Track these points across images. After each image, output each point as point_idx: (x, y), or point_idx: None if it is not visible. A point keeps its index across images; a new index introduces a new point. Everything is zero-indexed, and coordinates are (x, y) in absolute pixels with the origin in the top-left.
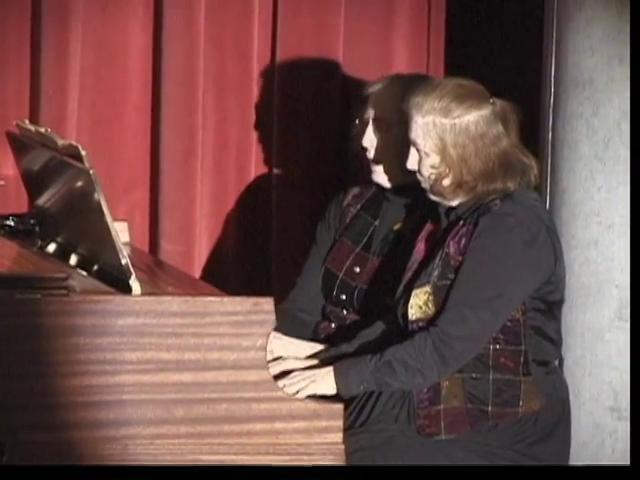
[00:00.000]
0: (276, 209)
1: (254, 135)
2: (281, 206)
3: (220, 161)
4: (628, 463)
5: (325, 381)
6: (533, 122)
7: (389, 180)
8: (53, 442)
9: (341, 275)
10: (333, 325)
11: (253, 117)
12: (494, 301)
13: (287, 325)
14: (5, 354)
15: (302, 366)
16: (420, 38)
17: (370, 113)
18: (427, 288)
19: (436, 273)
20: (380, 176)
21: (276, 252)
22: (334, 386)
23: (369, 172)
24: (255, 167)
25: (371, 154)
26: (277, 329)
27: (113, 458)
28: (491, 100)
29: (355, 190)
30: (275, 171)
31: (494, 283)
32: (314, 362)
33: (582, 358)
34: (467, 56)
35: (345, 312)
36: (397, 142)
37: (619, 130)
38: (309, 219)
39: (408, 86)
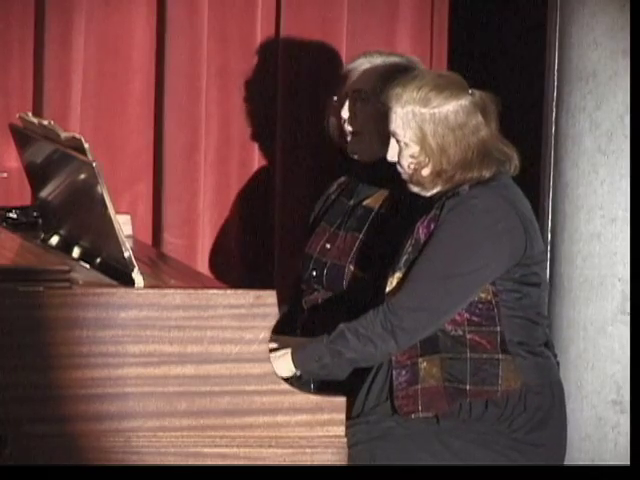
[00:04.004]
0: (279, 202)
1: (257, 128)
2: (283, 199)
3: (223, 154)
4: (630, 456)
5: (281, 360)
6: (536, 116)
7: (365, 152)
8: (55, 435)
9: (315, 254)
10: (307, 312)
11: (256, 110)
12: (449, 276)
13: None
14: (8, 347)
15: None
16: (423, 32)
17: (349, 86)
18: (398, 274)
19: (405, 258)
20: (356, 147)
21: (279, 245)
22: (291, 365)
23: (345, 146)
24: (258, 160)
25: (349, 125)
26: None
27: (115, 451)
28: (470, 91)
29: (340, 180)
30: (278, 164)
31: (450, 259)
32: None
33: (585, 351)
34: (470, 50)
35: (316, 293)
36: (376, 113)
37: (622, 124)
38: (312, 212)
39: (388, 60)
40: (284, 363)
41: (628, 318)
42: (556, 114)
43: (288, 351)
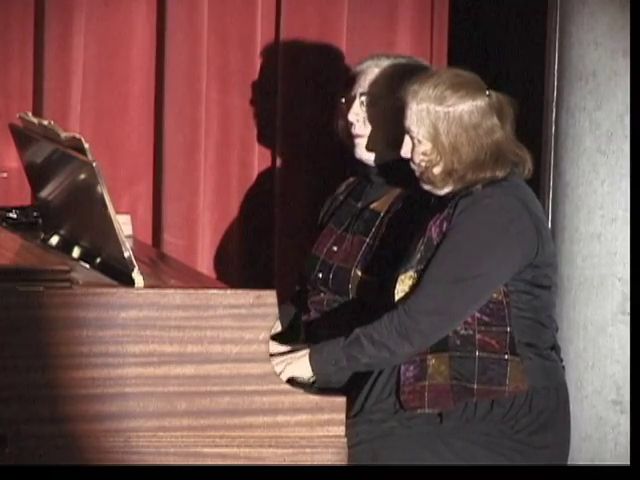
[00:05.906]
0: (279, 202)
1: (257, 128)
2: (283, 199)
3: (223, 154)
4: (630, 456)
5: (300, 362)
6: (536, 115)
7: (372, 155)
8: (55, 434)
9: (322, 256)
10: (312, 313)
11: (256, 110)
12: (464, 279)
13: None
14: (8, 346)
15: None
16: (423, 31)
17: (357, 89)
18: (411, 273)
19: (418, 257)
20: (363, 151)
21: (279, 245)
22: (309, 366)
23: (353, 149)
24: (258, 160)
25: (356, 128)
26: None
27: (115, 450)
28: (487, 92)
29: (349, 180)
30: (278, 164)
31: (464, 261)
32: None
33: (584, 351)
34: (470, 49)
35: (322, 294)
36: (383, 116)
37: (622, 123)
38: (312, 212)
39: (395, 63)
40: (302, 364)
41: (628, 318)
42: (556, 114)
43: (306, 352)
